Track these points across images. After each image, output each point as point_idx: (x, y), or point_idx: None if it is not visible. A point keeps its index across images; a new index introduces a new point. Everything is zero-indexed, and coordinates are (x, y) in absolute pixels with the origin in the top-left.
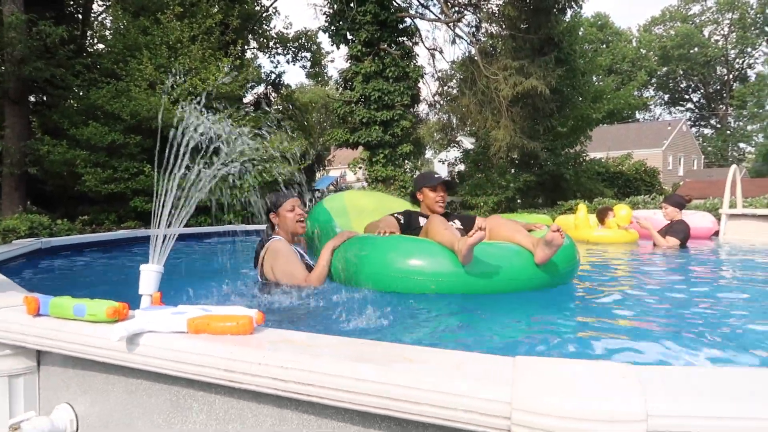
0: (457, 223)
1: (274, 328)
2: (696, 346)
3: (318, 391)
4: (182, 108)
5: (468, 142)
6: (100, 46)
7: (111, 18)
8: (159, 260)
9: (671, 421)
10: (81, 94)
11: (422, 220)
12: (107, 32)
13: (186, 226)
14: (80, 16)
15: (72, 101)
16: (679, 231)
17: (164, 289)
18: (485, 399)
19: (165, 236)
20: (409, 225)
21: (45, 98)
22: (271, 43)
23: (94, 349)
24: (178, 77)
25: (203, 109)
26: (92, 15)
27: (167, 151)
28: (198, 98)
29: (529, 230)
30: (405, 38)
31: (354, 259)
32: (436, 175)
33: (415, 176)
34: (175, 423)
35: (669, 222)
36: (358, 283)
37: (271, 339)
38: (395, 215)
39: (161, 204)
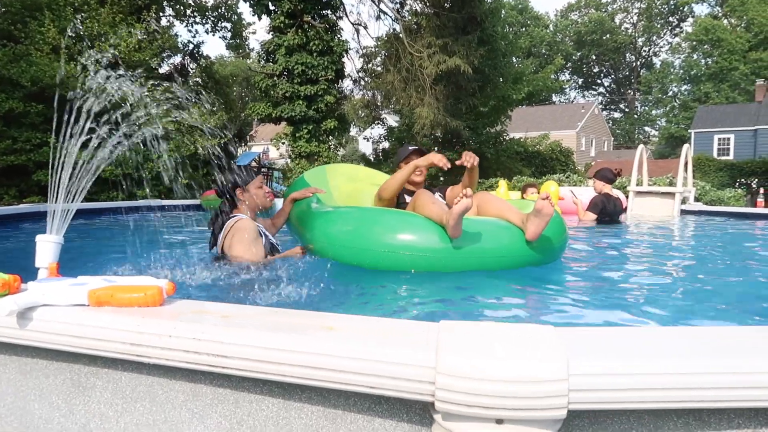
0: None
1: (187, 299)
2: (628, 310)
3: (234, 362)
4: (88, 70)
5: (392, 120)
6: None
7: None
8: (58, 230)
9: (592, 379)
10: None
11: (407, 197)
12: None
13: (94, 200)
14: None
15: None
16: (593, 205)
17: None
18: (409, 364)
19: (66, 200)
20: (396, 202)
21: None
22: (188, 11)
23: None
24: (84, 40)
25: (111, 73)
26: None
27: (67, 116)
28: (105, 60)
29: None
30: (329, 11)
31: (337, 233)
32: (410, 147)
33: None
34: (76, 404)
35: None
36: (341, 258)
37: (183, 310)
38: None
39: (60, 167)
